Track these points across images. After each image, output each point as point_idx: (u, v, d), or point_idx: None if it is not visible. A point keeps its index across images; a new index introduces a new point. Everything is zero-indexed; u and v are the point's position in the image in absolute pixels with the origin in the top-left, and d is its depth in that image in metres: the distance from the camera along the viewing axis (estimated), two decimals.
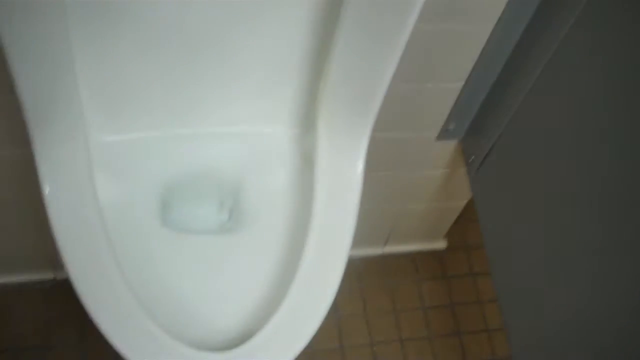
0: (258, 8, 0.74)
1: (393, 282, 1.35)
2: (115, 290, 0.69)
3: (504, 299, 0.99)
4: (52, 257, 1.19)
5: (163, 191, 0.86)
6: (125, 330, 0.68)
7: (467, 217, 1.33)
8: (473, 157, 1.05)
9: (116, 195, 0.81)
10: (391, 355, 1.28)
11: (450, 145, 1.08)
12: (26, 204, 1.03)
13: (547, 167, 0.89)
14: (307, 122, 0.86)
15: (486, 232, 1.04)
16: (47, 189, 0.72)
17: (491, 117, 0.98)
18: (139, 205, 0.83)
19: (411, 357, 1.29)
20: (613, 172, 0.76)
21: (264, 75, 0.82)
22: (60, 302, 1.21)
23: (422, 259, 1.38)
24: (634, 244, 0.72)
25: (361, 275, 1.34)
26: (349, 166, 0.80)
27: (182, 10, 0.73)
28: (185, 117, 0.85)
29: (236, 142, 0.87)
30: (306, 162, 0.85)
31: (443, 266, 1.38)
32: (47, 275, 1.23)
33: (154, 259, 0.79)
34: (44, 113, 0.72)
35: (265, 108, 0.86)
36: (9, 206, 1.05)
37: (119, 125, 0.84)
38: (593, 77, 0.79)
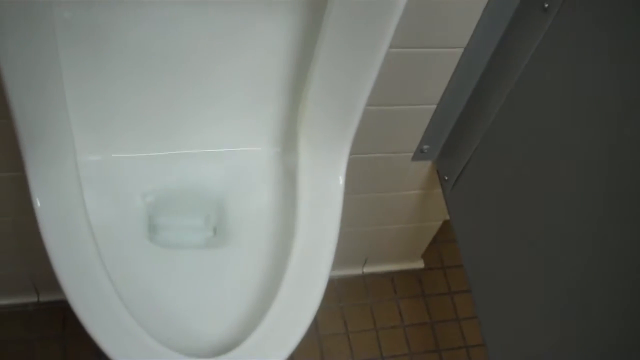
0: (240, 32, 0.77)
1: (373, 302, 1.36)
2: (106, 298, 0.71)
3: (483, 315, 0.99)
4: (35, 280, 1.20)
5: (149, 209, 0.87)
6: (116, 337, 0.69)
7: (443, 237, 1.36)
8: (447, 177, 1.07)
9: (104, 213, 0.83)
10: None
11: (425, 166, 1.11)
12: (10, 228, 1.05)
13: (518, 184, 0.91)
14: (288, 140, 0.89)
15: (464, 250, 1.05)
16: (38, 203, 0.73)
17: (463, 138, 1.01)
18: (126, 222, 0.85)
19: None
20: (581, 185, 0.77)
21: (246, 96, 0.85)
22: (43, 325, 1.22)
23: (401, 279, 1.40)
24: (611, 255, 0.73)
25: (341, 296, 1.35)
26: (330, 180, 0.82)
27: (166, 34, 0.76)
28: (170, 137, 0.88)
29: (219, 160, 0.90)
30: (288, 179, 0.87)
31: (421, 285, 1.40)
32: (31, 298, 1.23)
33: (142, 273, 0.81)
34: (36, 132, 0.73)
35: (248, 128, 0.89)
36: None
37: (105, 146, 0.86)
38: (559, 95, 0.81)
